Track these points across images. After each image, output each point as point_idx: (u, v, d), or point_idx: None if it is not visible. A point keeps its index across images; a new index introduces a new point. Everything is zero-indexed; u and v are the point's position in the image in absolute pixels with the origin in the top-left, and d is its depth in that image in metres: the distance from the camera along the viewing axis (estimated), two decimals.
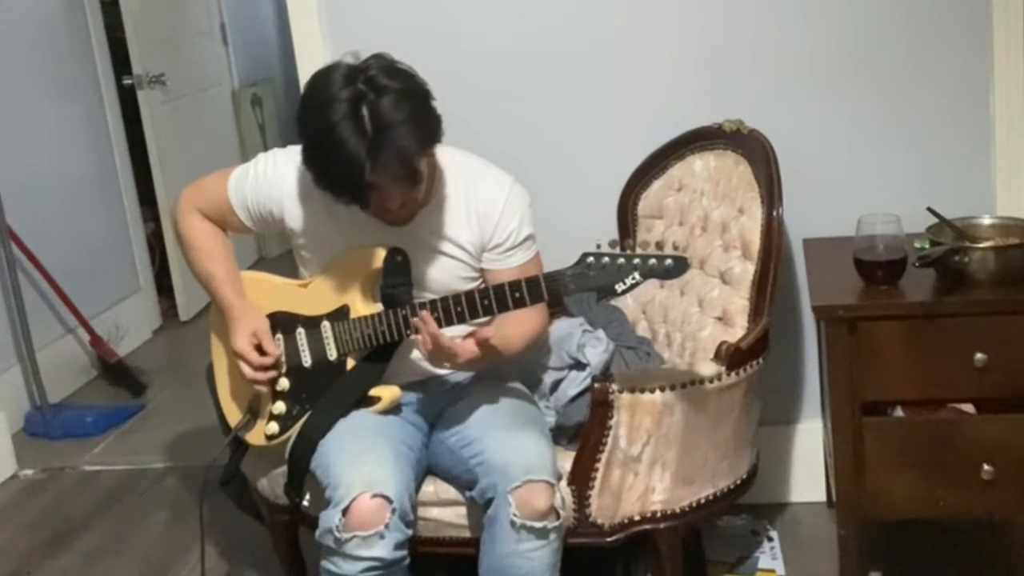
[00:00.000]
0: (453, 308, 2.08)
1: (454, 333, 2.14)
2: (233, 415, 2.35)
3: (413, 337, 2.14)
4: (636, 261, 1.91)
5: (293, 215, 2.25)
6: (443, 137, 2.10)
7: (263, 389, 2.25)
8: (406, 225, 2.19)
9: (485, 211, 2.21)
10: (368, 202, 2.05)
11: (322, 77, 2.05)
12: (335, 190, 2.04)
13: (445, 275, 2.23)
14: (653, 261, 1.91)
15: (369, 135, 1.96)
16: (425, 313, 2.08)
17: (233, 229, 2.35)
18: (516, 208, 2.23)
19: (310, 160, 2.06)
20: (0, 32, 4.03)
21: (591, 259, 1.93)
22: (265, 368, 2.22)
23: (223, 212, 2.31)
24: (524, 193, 2.26)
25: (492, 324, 2.13)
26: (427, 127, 2.05)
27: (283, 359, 2.26)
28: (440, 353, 2.10)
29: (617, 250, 1.93)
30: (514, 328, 2.19)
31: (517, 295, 2.03)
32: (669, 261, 1.91)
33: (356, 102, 1.97)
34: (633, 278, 1.92)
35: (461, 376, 2.32)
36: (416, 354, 2.26)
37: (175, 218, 2.38)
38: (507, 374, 2.37)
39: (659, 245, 1.93)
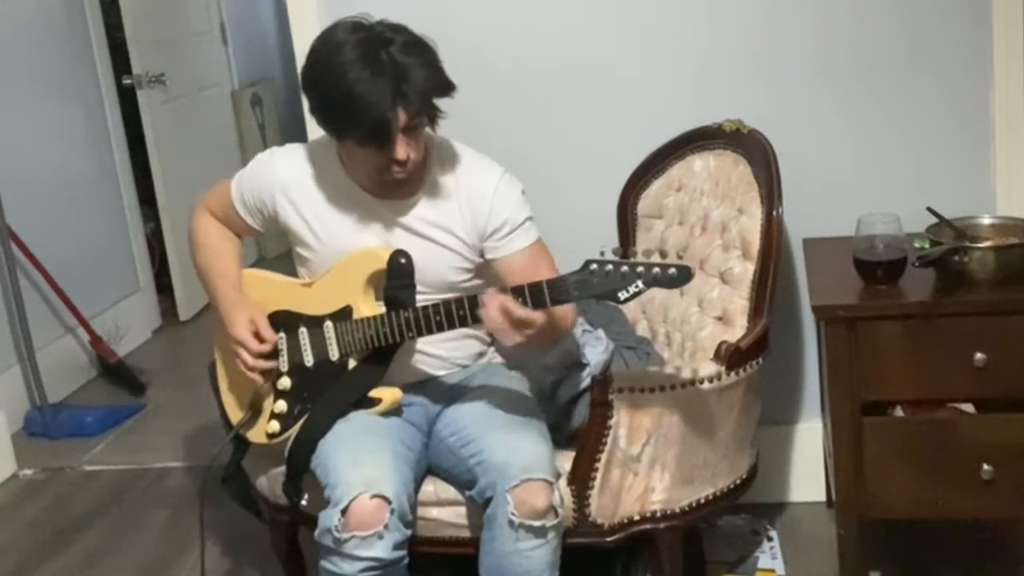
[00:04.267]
0: (456, 311, 2.07)
1: (451, 336, 2.15)
2: (235, 413, 2.36)
3: (482, 314, 2.04)
4: (640, 270, 1.90)
5: (286, 209, 2.26)
6: (438, 127, 2.14)
7: (259, 379, 2.25)
8: (406, 200, 2.19)
9: (476, 200, 2.21)
10: (389, 140, 2.05)
11: (328, 34, 2.09)
12: (360, 132, 2.05)
13: (439, 265, 2.23)
14: (657, 270, 1.90)
15: (389, 71, 2.01)
16: (491, 292, 2.02)
17: (240, 230, 2.37)
18: (506, 194, 2.22)
19: (331, 109, 2.07)
20: (0, 32, 4.03)
21: (595, 266, 1.92)
22: (263, 356, 2.23)
23: (228, 212, 2.34)
24: (514, 180, 2.25)
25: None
26: (441, 72, 2.08)
27: (284, 354, 2.26)
28: (517, 325, 1.99)
29: (620, 258, 1.93)
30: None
31: (520, 300, 2.02)
32: (673, 270, 1.90)
33: (372, 44, 2.02)
34: (636, 286, 1.91)
35: (460, 377, 2.32)
36: (416, 356, 2.27)
37: (190, 220, 2.40)
38: (505, 372, 2.37)
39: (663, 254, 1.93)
